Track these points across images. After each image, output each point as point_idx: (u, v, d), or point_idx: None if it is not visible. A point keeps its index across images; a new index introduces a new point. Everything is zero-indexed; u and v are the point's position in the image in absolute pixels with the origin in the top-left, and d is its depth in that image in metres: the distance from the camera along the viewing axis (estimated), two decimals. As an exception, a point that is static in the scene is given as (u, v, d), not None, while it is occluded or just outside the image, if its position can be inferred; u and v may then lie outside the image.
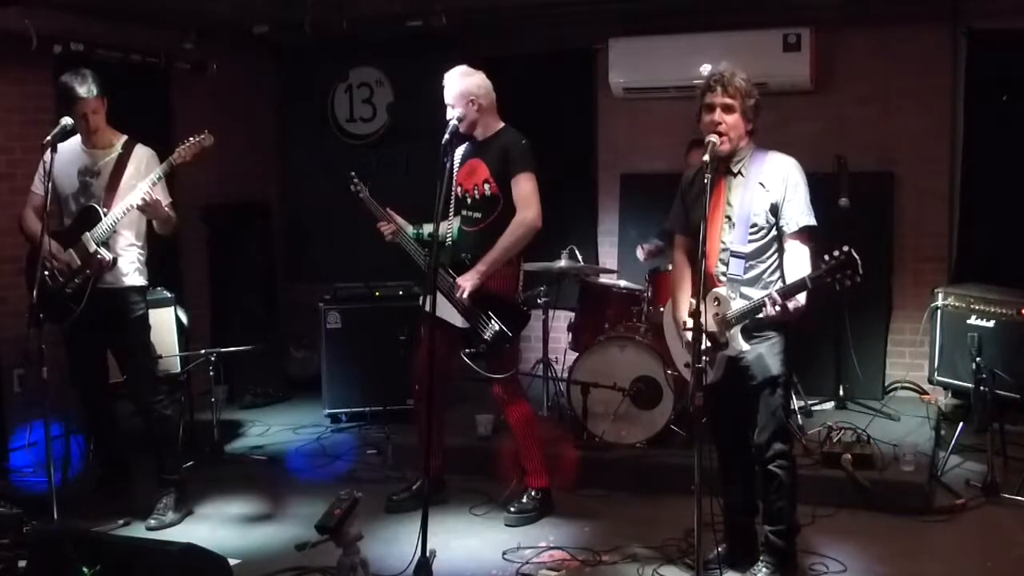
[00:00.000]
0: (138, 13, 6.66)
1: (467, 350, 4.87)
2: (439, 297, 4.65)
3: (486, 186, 4.87)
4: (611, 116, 7.46)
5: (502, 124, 4.97)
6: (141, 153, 5.00)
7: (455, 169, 4.97)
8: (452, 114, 4.78)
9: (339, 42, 7.38)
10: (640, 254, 6.57)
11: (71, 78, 4.88)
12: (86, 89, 4.84)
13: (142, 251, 5.09)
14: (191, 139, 4.87)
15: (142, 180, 4.86)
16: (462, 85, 4.83)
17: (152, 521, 5.02)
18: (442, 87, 4.84)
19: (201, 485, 5.49)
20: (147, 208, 4.82)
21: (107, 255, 4.86)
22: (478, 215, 4.91)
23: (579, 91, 7.48)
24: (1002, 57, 6.39)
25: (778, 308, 3.70)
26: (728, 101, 3.84)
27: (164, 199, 4.95)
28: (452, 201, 4.98)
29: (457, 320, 4.84)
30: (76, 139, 5.01)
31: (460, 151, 5.02)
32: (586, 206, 7.55)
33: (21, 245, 5.98)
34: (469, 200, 4.94)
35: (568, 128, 7.51)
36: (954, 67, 6.60)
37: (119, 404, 5.39)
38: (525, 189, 4.78)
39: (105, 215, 4.85)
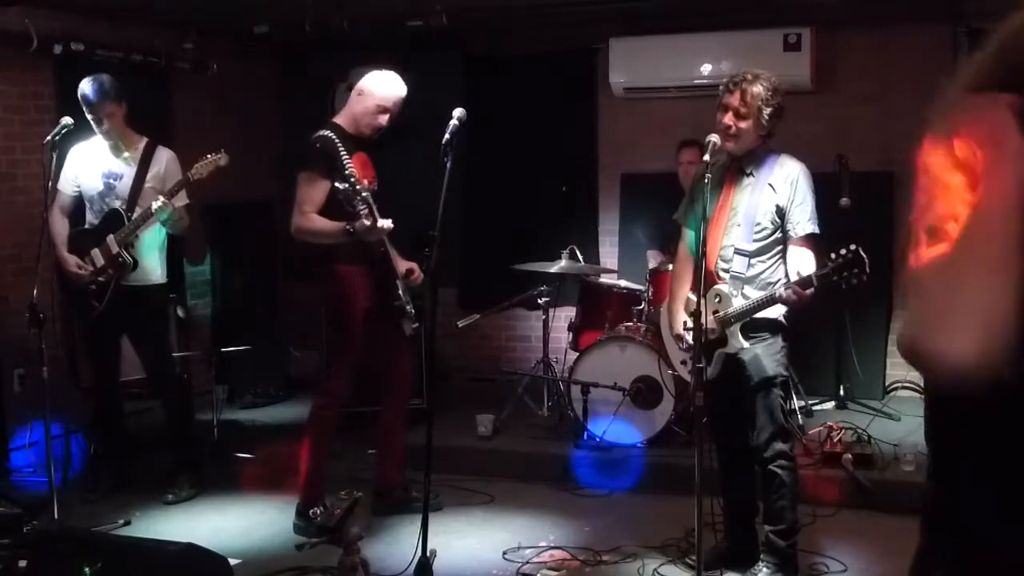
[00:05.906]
0: (138, 13, 6.66)
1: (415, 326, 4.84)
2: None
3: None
4: (611, 116, 7.45)
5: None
6: (162, 155, 5.16)
7: (347, 162, 4.62)
8: (456, 113, 4.72)
9: (339, 42, 7.37)
10: (652, 261, 6.49)
11: (86, 84, 5.00)
12: (99, 95, 4.97)
13: (163, 249, 5.27)
14: (209, 156, 4.99)
15: (162, 182, 5.06)
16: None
17: (170, 496, 5.24)
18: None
19: (202, 485, 5.48)
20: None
21: (128, 258, 5.03)
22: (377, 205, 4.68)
23: (579, 91, 7.46)
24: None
25: (795, 297, 3.72)
26: (742, 109, 3.85)
27: (180, 201, 5.10)
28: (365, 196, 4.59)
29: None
30: (100, 140, 5.12)
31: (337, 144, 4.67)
32: (586, 206, 7.54)
33: (21, 245, 6.00)
34: (374, 195, 4.69)
35: (568, 128, 7.50)
36: (954, 67, 6.58)
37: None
38: None
39: (129, 219, 5.01)
